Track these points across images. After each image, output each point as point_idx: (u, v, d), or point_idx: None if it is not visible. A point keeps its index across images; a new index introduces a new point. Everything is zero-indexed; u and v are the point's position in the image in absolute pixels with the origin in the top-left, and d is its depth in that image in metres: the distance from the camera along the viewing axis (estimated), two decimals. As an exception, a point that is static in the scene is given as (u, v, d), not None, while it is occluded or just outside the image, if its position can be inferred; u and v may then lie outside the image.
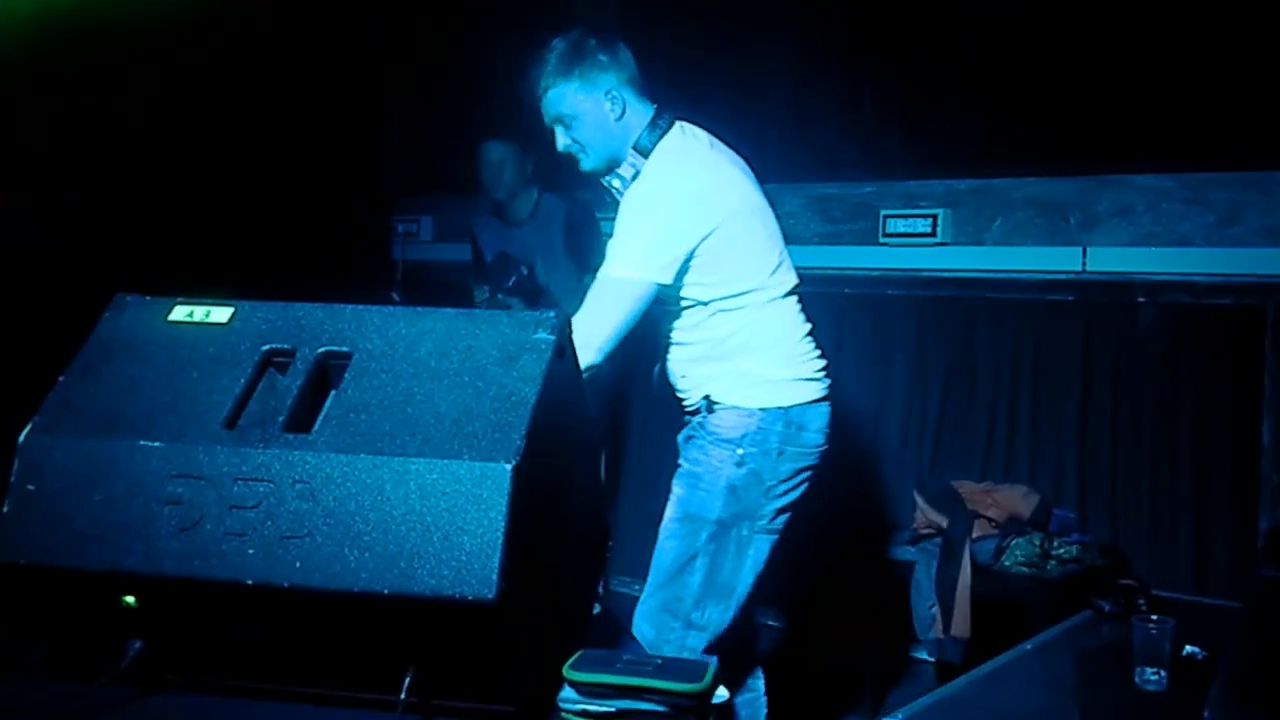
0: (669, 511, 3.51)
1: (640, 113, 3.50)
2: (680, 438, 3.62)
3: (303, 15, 6.29)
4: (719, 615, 3.50)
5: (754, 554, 3.52)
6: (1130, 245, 5.07)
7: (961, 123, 5.47)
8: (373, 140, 7.14)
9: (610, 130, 3.49)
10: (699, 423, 3.53)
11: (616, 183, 3.52)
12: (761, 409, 3.44)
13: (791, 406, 3.47)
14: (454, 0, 6.79)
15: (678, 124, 3.54)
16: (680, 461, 3.57)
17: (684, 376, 3.58)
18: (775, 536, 3.55)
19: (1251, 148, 4.71)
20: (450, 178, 6.99)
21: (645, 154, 3.48)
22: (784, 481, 3.50)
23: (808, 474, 3.56)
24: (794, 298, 3.60)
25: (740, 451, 3.43)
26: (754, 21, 5.99)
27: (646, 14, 6.02)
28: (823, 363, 3.60)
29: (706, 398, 3.51)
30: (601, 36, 3.52)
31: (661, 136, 3.49)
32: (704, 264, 3.38)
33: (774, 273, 3.52)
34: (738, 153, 3.65)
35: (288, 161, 6.47)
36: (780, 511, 3.53)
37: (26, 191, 5.37)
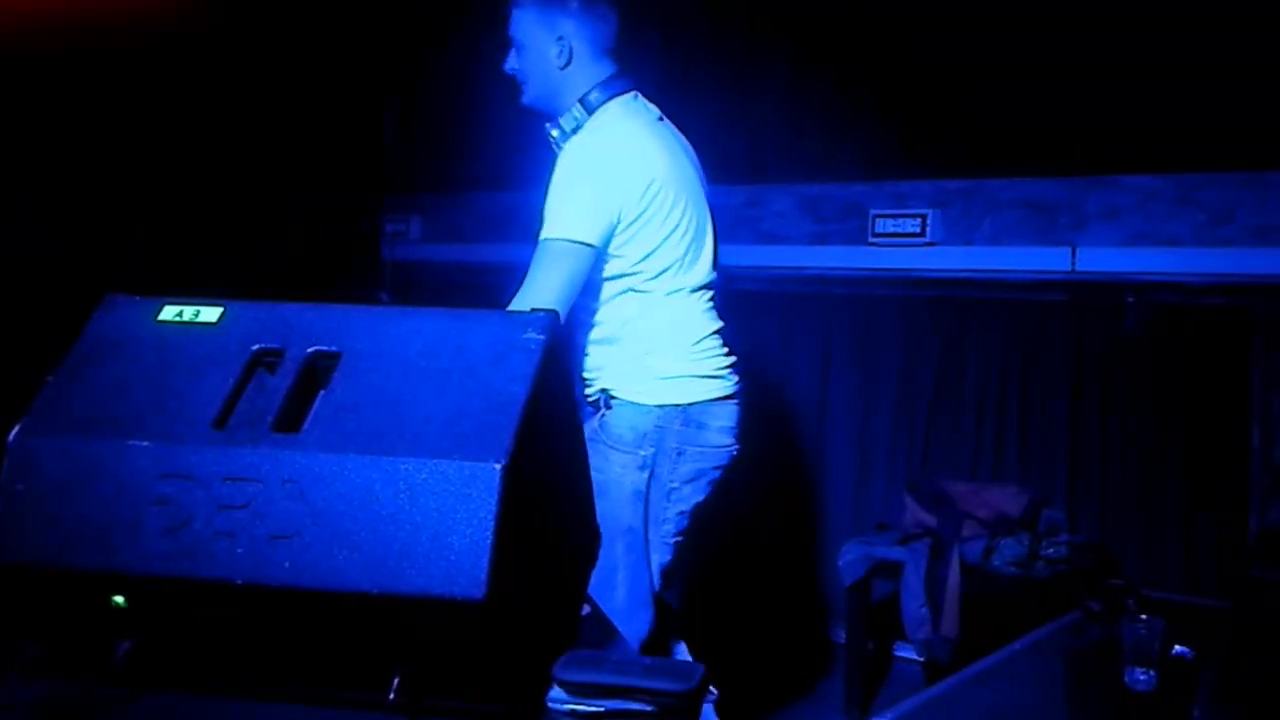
0: None
1: (591, 71, 3.52)
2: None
3: (295, 14, 6.29)
4: (644, 623, 3.50)
5: (657, 560, 3.51)
6: (1120, 245, 5.08)
7: (952, 122, 5.47)
8: (363, 140, 7.13)
9: (550, 74, 3.52)
10: (599, 424, 3.50)
11: (555, 132, 3.54)
12: (659, 406, 3.43)
13: (690, 404, 3.45)
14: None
15: (632, 92, 3.55)
16: None
17: (587, 356, 3.55)
18: (680, 541, 3.54)
19: (1242, 148, 4.72)
20: (440, 177, 7.00)
21: (590, 111, 3.49)
22: (686, 483, 3.47)
23: (715, 475, 3.53)
24: (706, 293, 3.57)
25: (641, 453, 3.42)
26: (744, 20, 5.99)
27: (638, 13, 6.02)
28: (728, 361, 3.56)
29: (604, 391, 3.49)
30: None
31: (610, 98, 3.51)
32: (628, 235, 3.38)
33: (691, 263, 3.50)
34: (688, 139, 3.65)
35: (277, 161, 6.47)
36: (685, 516, 3.51)
37: (26, 191, 5.39)
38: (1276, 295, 4.78)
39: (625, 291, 3.45)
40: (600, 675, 1.94)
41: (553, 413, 2.05)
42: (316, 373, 2.01)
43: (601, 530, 3.45)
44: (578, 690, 1.93)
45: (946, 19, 5.34)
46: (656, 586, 3.54)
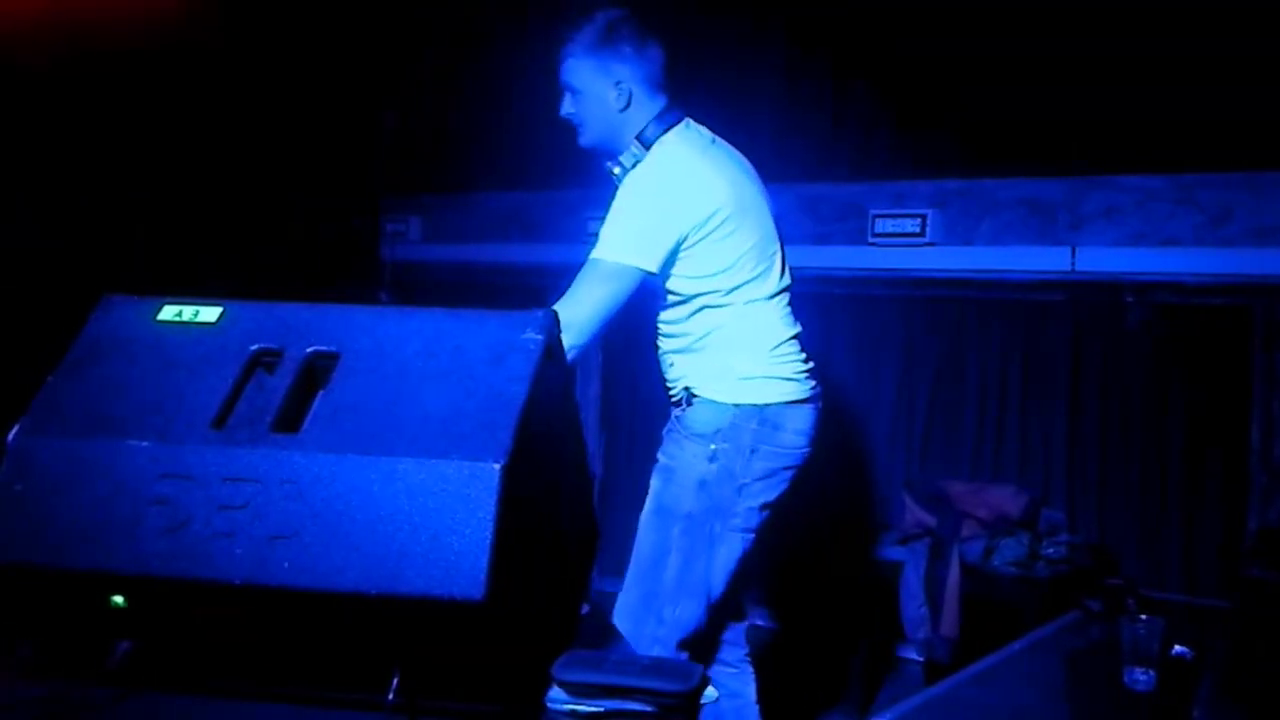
0: (646, 505, 3.54)
1: (647, 108, 3.56)
2: (665, 431, 3.63)
3: (295, 14, 6.29)
4: (692, 613, 3.50)
5: (726, 552, 3.53)
6: (1119, 245, 5.08)
7: (950, 122, 5.47)
8: (362, 140, 7.13)
9: (610, 118, 3.55)
10: (678, 416, 3.56)
11: (616, 169, 3.58)
12: (736, 405, 3.46)
13: (767, 405, 3.48)
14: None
15: (684, 120, 3.59)
16: (659, 455, 3.59)
17: (671, 365, 3.62)
18: (750, 536, 3.56)
19: (1241, 148, 4.72)
20: (439, 178, 6.99)
21: (647, 145, 3.54)
22: (758, 480, 3.50)
23: (787, 475, 3.56)
24: (783, 299, 3.62)
25: (712, 447, 3.45)
26: (742, 20, 5.99)
27: (636, 13, 6.02)
28: (807, 366, 3.60)
29: (687, 389, 3.54)
30: (638, 27, 3.59)
31: (665, 131, 3.54)
32: (691, 258, 3.42)
33: (764, 273, 3.54)
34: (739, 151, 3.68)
35: (277, 161, 6.47)
36: (755, 511, 3.54)
37: (26, 191, 5.39)
38: (1275, 295, 4.78)
39: (703, 308, 3.51)
40: (599, 675, 1.94)
41: (552, 413, 2.05)
42: (315, 373, 2.01)
43: (662, 511, 3.50)
44: (577, 690, 1.93)
45: (945, 18, 5.34)
46: (718, 584, 3.55)
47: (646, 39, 3.60)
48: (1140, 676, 3.11)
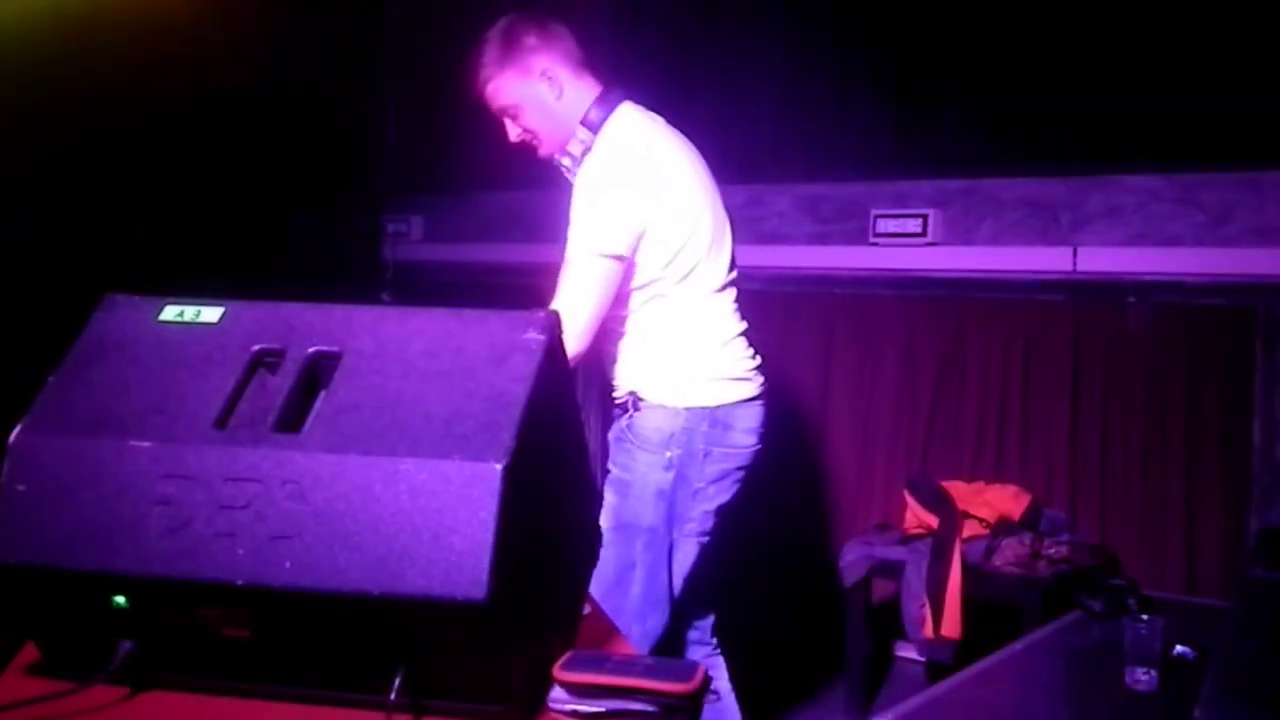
0: (603, 520, 3.45)
1: (581, 89, 3.52)
2: (611, 436, 3.60)
3: (295, 13, 6.29)
4: (658, 622, 3.51)
5: (683, 558, 3.53)
6: (1120, 245, 5.08)
7: (952, 122, 5.47)
8: (364, 139, 7.13)
9: (554, 111, 3.50)
10: (626, 425, 3.52)
11: (566, 160, 3.53)
12: (686, 408, 3.44)
13: (717, 406, 3.46)
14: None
15: (626, 103, 3.55)
16: (610, 466, 3.56)
17: (615, 361, 3.57)
18: (705, 540, 3.55)
19: (1242, 147, 4.72)
20: (441, 177, 7.00)
21: (594, 129, 3.48)
22: (712, 483, 3.49)
23: (739, 475, 3.55)
24: (730, 293, 3.59)
25: (667, 455, 3.43)
26: (743, 20, 5.99)
27: (636, 14, 6.04)
28: (754, 362, 3.58)
29: (633, 393, 3.51)
30: (531, 16, 3.53)
31: (611, 112, 3.50)
32: (652, 242, 3.38)
33: (714, 265, 3.51)
34: (688, 139, 3.65)
35: (277, 161, 6.47)
36: (710, 514, 3.53)
37: (26, 191, 5.38)
38: (1277, 295, 4.79)
39: (652, 298, 3.47)
40: (601, 675, 1.93)
41: (554, 413, 2.05)
42: (317, 373, 2.01)
43: (623, 527, 3.48)
44: (579, 690, 1.93)
45: (947, 18, 5.34)
46: (677, 590, 3.55)
47: (545, 22, 3.54)
48: (1142, 676, 3.11)
